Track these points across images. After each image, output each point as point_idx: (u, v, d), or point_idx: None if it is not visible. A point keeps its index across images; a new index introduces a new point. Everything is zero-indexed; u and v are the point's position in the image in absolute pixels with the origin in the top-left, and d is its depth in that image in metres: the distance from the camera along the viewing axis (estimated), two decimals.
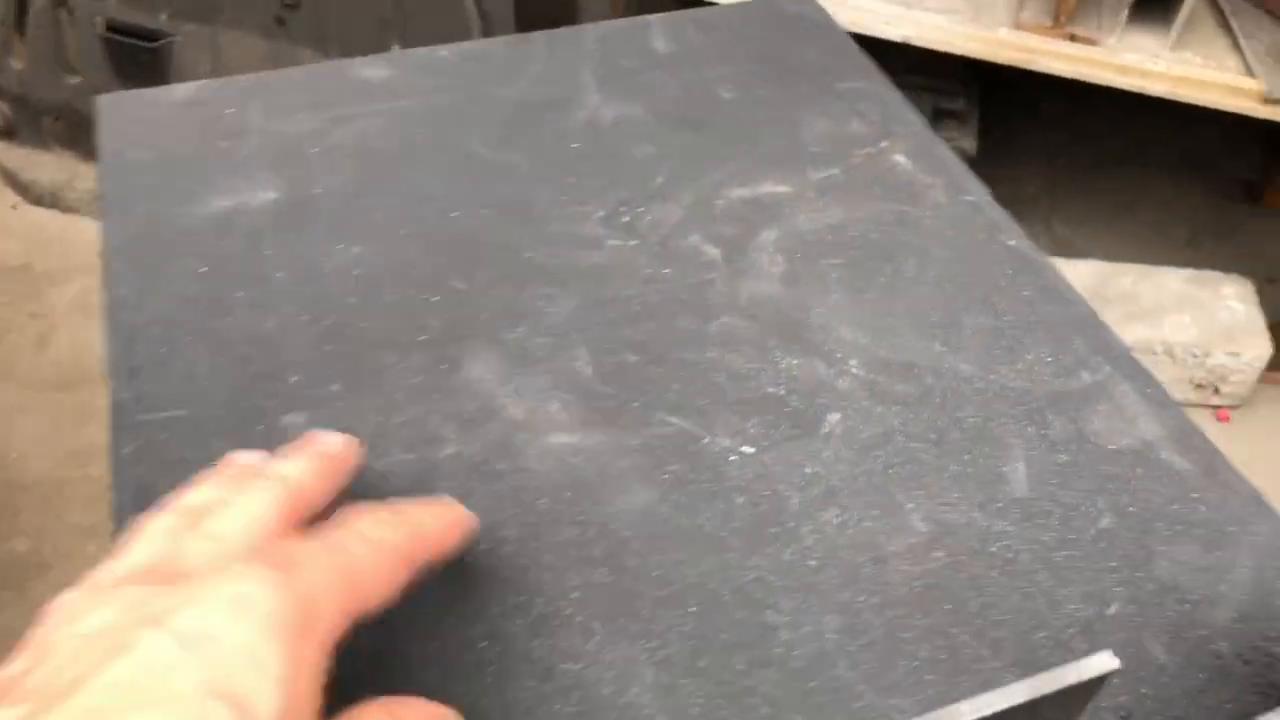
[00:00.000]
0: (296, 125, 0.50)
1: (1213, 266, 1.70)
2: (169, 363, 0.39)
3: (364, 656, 0.30)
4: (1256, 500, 0.36)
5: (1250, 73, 1.29)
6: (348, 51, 1.41)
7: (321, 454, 0.30)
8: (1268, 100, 1.27)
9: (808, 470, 0.37)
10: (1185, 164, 1.96)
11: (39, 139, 1.62)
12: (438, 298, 0.42)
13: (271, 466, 0.29)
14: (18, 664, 0.22)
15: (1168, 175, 1.93)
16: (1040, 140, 1.96)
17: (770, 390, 0.39)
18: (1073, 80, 1.34)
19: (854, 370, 0.40)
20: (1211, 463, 0.37)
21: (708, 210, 0.47)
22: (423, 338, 0.41)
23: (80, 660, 0.21)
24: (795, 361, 0.40)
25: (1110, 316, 1.46)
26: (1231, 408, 1.49)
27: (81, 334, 1.49)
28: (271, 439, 0.36)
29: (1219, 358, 1.42)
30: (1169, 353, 1.42)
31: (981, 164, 1.82)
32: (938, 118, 1.57)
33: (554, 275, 0.43)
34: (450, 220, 0.46)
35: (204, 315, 0.41)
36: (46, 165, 1.63)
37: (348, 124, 0.50)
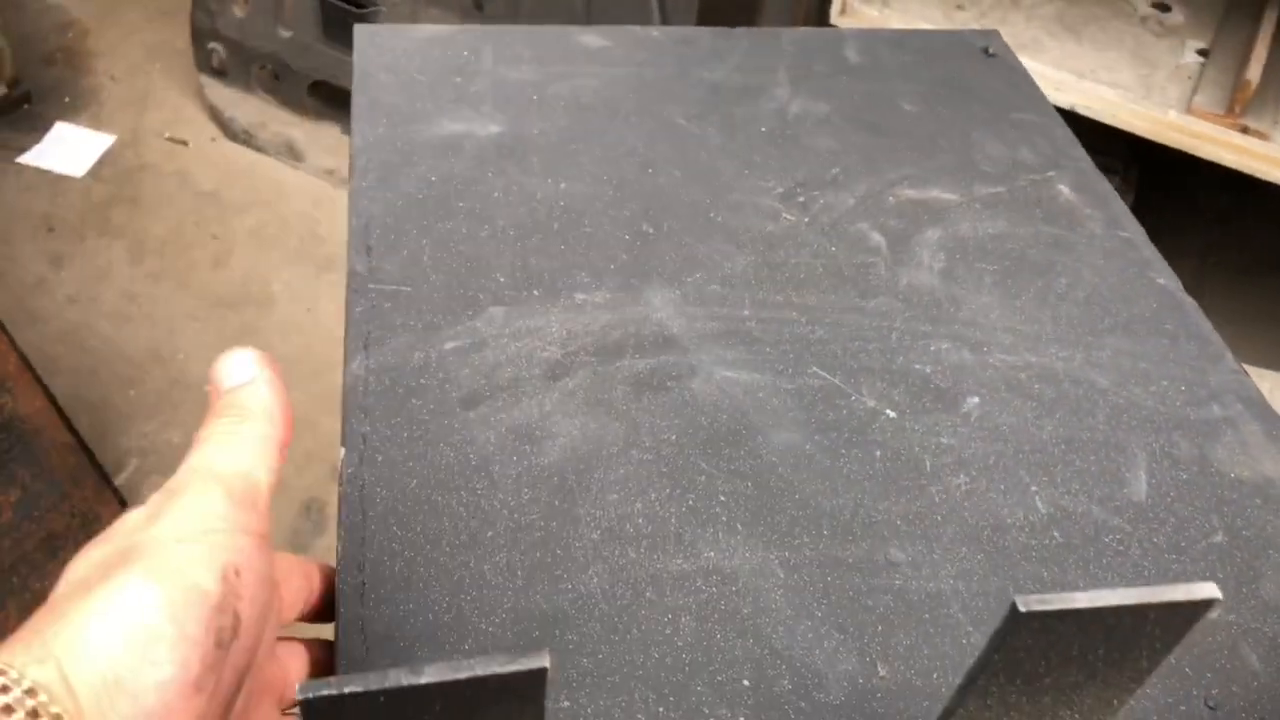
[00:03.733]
0: (521, 74, 0.56)
1: None
2: (397, 248, 0.45)
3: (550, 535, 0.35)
4: None
5: None
6: None
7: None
8: None
9: (944, 441, 0.40)
10: None
11: (245, 83, 1.76)
12: (629, 236, 0.47)
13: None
14: None
15: None
16: (1193, 234, 1.92)
17: (917, 367, 0.43)
18: (1235, 175, 1.32)
19: (997, 364, 0.43)
20: None
21: (878, 204, 0.51)
22: (612, 267, 0.46)
23: None
24: (945, 346, 0.44)
25: None
26: None
27: (254, 261, 1.61)
28: (478, 322, 0.42)
29: None
30: None
31: None
32: None
33: (732, 235, 0.48)
34: (646, 175, 0.51)
35: (430, 215, 0.47)
36: (247, 107, 1.77)
37: (566, 80, 0.56)
